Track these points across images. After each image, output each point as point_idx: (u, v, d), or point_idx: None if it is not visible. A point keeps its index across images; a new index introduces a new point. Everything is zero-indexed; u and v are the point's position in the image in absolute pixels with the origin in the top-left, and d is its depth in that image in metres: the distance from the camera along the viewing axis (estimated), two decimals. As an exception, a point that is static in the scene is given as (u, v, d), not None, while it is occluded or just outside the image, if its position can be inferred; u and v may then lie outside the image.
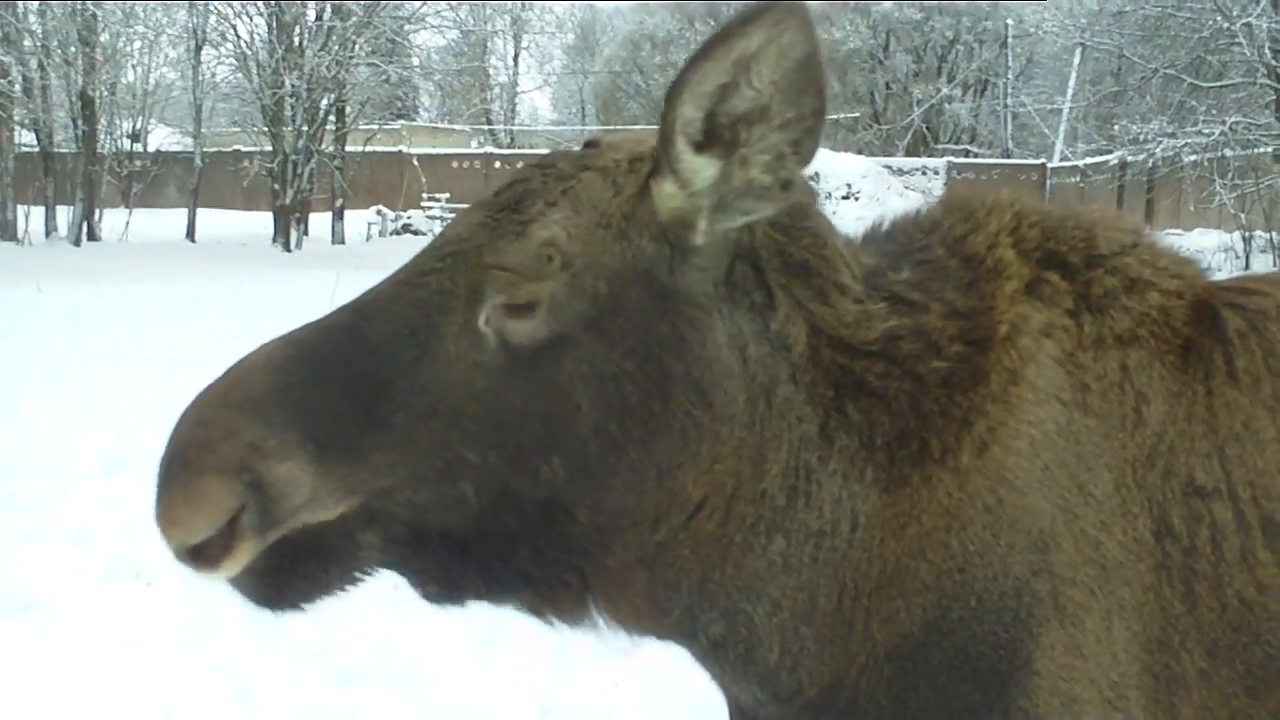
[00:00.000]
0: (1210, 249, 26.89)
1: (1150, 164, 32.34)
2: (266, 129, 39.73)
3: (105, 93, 40.61)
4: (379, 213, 44.38)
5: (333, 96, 40.38)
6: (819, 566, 2.22)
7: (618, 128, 69.49)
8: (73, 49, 37.53)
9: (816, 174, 37.25)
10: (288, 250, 37.98)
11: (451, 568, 2.15)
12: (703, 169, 2.10)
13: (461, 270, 2.12)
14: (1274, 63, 27.64)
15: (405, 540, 2.10)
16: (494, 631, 5.99)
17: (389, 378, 2.05)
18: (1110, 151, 38.71)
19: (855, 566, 2.23)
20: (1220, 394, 2.30)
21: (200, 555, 1.99)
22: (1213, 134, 28.36)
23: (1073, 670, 2.19)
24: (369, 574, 2.16)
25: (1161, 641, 2.22)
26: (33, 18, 37.14)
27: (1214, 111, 29.80)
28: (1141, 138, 31.69)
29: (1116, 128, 36.46)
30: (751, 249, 2.20)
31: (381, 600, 6.33)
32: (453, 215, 2.20)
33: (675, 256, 2.14)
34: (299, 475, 1.99)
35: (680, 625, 2.28)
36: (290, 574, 2.08)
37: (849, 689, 2.27)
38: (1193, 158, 30.08)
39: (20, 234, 35.34)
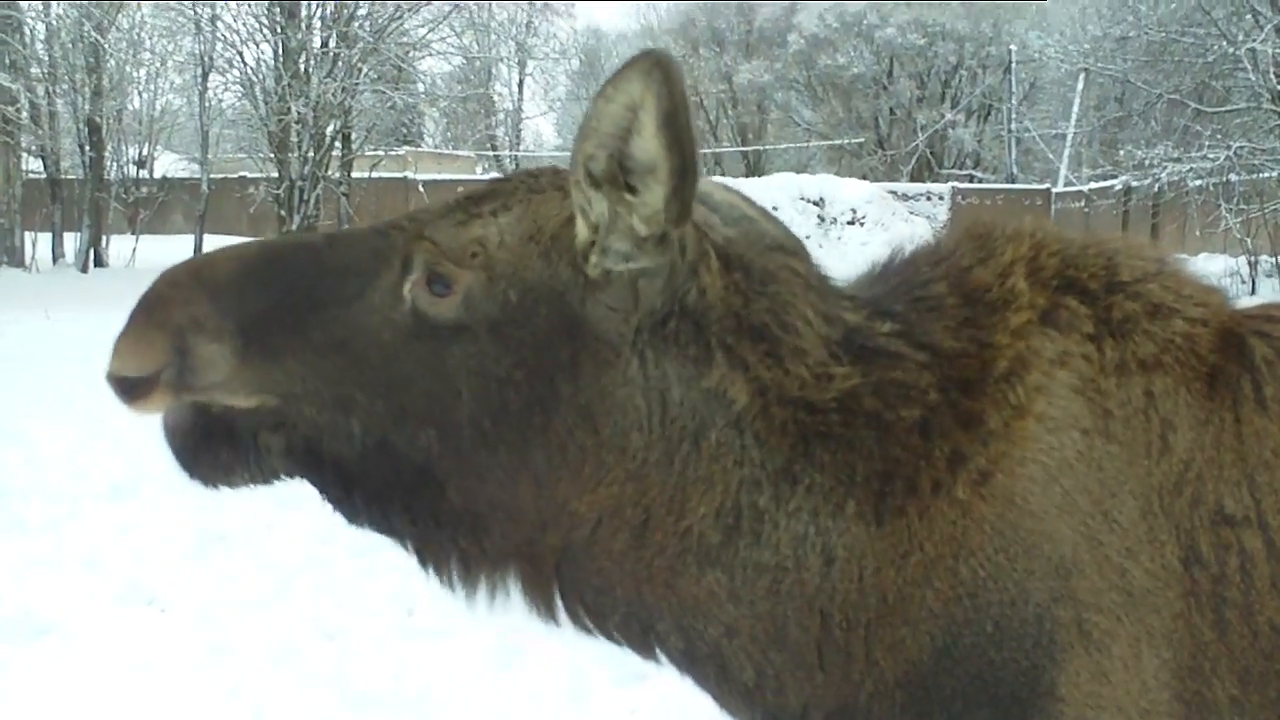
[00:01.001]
0: (1216, 274, 26.78)
1: (1155, 189, 32.41)
2: (272, 155, 39.77)
3: (112, 119, 40.69)
4: (385, 238, 44.34)
5: (338, 123, 40.42)
6: (780, 599, 2.24)
7: (622, 153, 69.74)
8: (79, 76, 37.63)
9: (821, 199, 37.43)
10: (294, 276, 37.95)
11: (341, 495, 2.33)
12: (595, 203, 2.18)
13: (411, 235, 2.29)
14: (1279, 87, 27.69)
15: (301, 454, 2.29)
16: (508, 655, 5.98)
17: (325, 303, 2.26)
18: (1115, 176, 38.80)
19: (843, 597, 2.23)
20: (1249, 422, 2.28)
21: (124, 387, 2.29)
22: (1218, 159, 28.44)
23: (1099, 697, 2.18)
24: (277, 478, 2.36)
25: (1192, 669, 2.20)
26: (39, 45, 37.27)
27: (1219, 136, 29.87)
28: (1146, 163, 31.73)
29: (1121, 153, 36.52)
30: (698, 309, 2.23)
31: (395, 625, 6.36)
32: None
33: (586, 287, 2.22)
34: (218, 358, 2.23)
35: (630, 631, 2.35)
36: (203, 448, 2.32)
37: (861, 714, 2.27)
38: (1198, 182, 30.11)
39: (28, 261, 35.39)
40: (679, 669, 2.40)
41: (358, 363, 2.24)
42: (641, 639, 2.35)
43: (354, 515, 2.37)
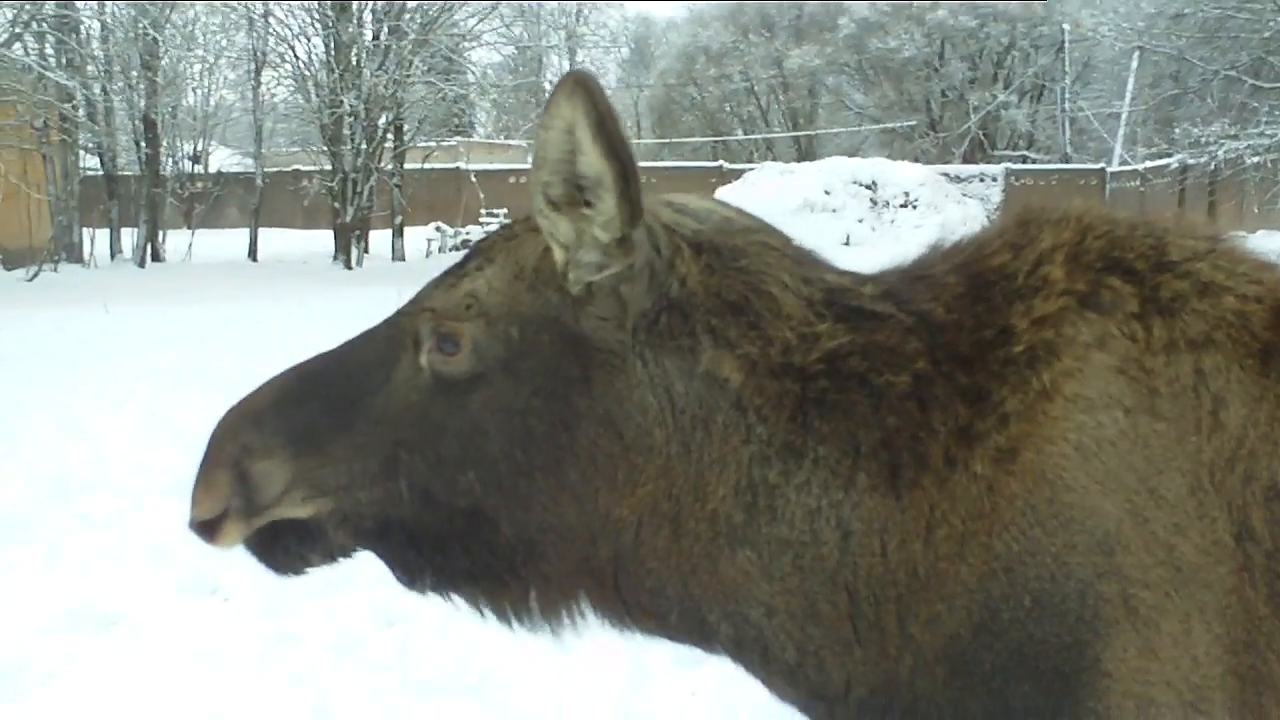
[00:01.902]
0: (1275, 251, 26.54)
1: (1212, 167, 32.11)
2: (326, 148, 40.00)
3: (167, 115, 41.11)
4: (438, 229, 44.53)
5: (390, 115, 40.58)
6: (806, 575, 2.29)
7: (674, 140, 69.63)
8: (135, 73, 38.01)
9: (874, 183, 37.28)
10: (348, 268, 38.23)
11: (409, 558, 2.47)
12: (560, 225, 2.33)
13: (414, 313, 2.47)
14: (1338, 62, 27.33)
15: (368, 533, 2.46)
16: (569, 641, 6.00)
17: (358, 396, 2.43)
18: (1170, 155, 38.44)
19: (867, 571, 2.27)
20: None
21: (204, 529, 2.46)
22: (1276, 135, 28.10)
23: (1147, 673, 2.18)
24: (347, 554, 2.55)
25: (1246, 643, 2.20)
26: (95, 43, 37.60)
27: (1277, 112, 29.49)
28: (1203, 140, 31.44)
29: (1177, 131, 36.22)
30: (682, 299, 2.34)
31: (457, 613, 6.39)
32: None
33: (575, 305, 2.36)
34: (274, 471, 2.41)
35: (688, 627, 2.42)
36: (275, 546, 2.50)
37: (905, 689, 2.29)
38: (1255, 159, 29.80)
39: (86, 256, 35.78)
40: (732, 659, 2.45)
41: (394, 428, 2.39)
42: (699, 633, 2.42)
43: (418, 578, 2.50)
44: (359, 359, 2.48)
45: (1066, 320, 2.30)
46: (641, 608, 2.42)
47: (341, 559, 2.55)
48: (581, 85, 2.18)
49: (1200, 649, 2.18)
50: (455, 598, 2.52)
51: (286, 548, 2.50)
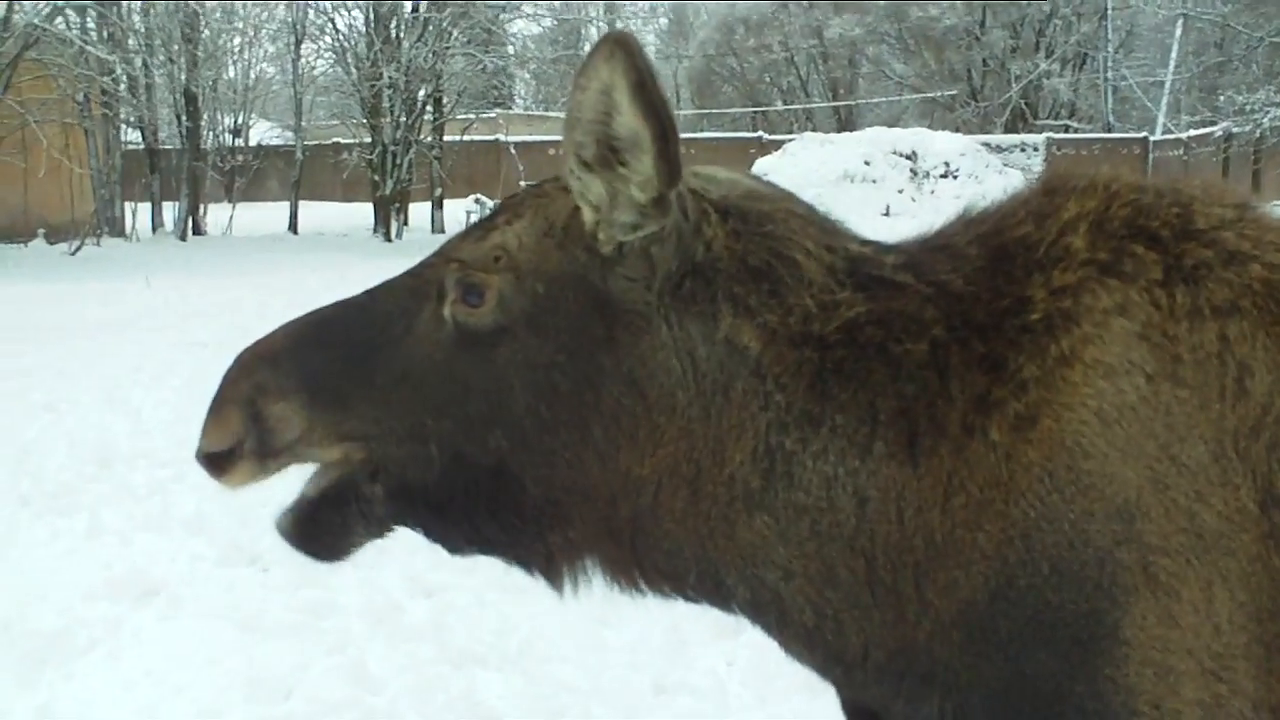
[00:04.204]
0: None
1: (1257, 135, 31.78)
2: (365, 121, 40.17)
3: (208, 89, 41.34)
4: (477, 201, 44.49)
5: (430, 87, 40.68)
6: (823, 540, 2.29)
7: (713, 111, 69.41)
8: (176, 47, 38.23)
9: (914, 153, 37.08)
10: (388, 240, 38.39)
11: (438, 524, 2.48)
12: (592, 185, 2.33)
13: (439, 264, 2.47)
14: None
15: (400, 495, 2.44)
16: (607, 611, 6.03)
17: (379, 346, 2.42)
18: (1214, 123, 38.15)
19: (884, 538, 2.27)
20: None
21: (211, 462, 2.45)
22: (1321, 102, 27.79)
23: (1167, 641, 2.16)
24: (389, 527, 2.51)
25: (1273, 611, 2.18)
26: (136, 17, 37.77)
27: (1323, 79, 29.18)
28: (1247, 108, 31.17)
29: (1221, 98, 35.95)
30: (706, 264, 2.35)
31: (494, 582, 6.42)
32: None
33: (604, 265, 2.36)
34: (290, 414, 2.40)
35: (705, 588, 2.43)
36: (315, 522, 2.48)
37: (923, 654, 2.29)
38: (1301, 127, 29.48)
39: (128, 230, 36.07)
40: (750, 620, 2.46)
41: (419, 389, 2.39)
42: (716, 594, 2.43)
43: (454, 542, 2.51)
44: (380, 307, 2.48)
45: (1086, 289, 2.28)
46: (658, 569, 2.42)
47: (381, 528, 2.50)
48: (621, 46, 2.16)
49: (1223, 617, 2.17)
50: (494, 556, 2.52)
51: (328, 521, 2.47)
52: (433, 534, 2.50)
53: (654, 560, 2.41)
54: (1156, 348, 2.23)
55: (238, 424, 2.41)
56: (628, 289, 2.35)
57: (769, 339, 2.31)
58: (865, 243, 2.49)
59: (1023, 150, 48.16)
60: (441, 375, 2.39)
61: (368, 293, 2.54)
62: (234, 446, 2.41)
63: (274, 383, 2.41)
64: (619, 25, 65.97)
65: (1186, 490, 2.18)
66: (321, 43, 42.46)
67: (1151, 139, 50.85)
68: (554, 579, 2.46)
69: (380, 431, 2.40)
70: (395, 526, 2.51)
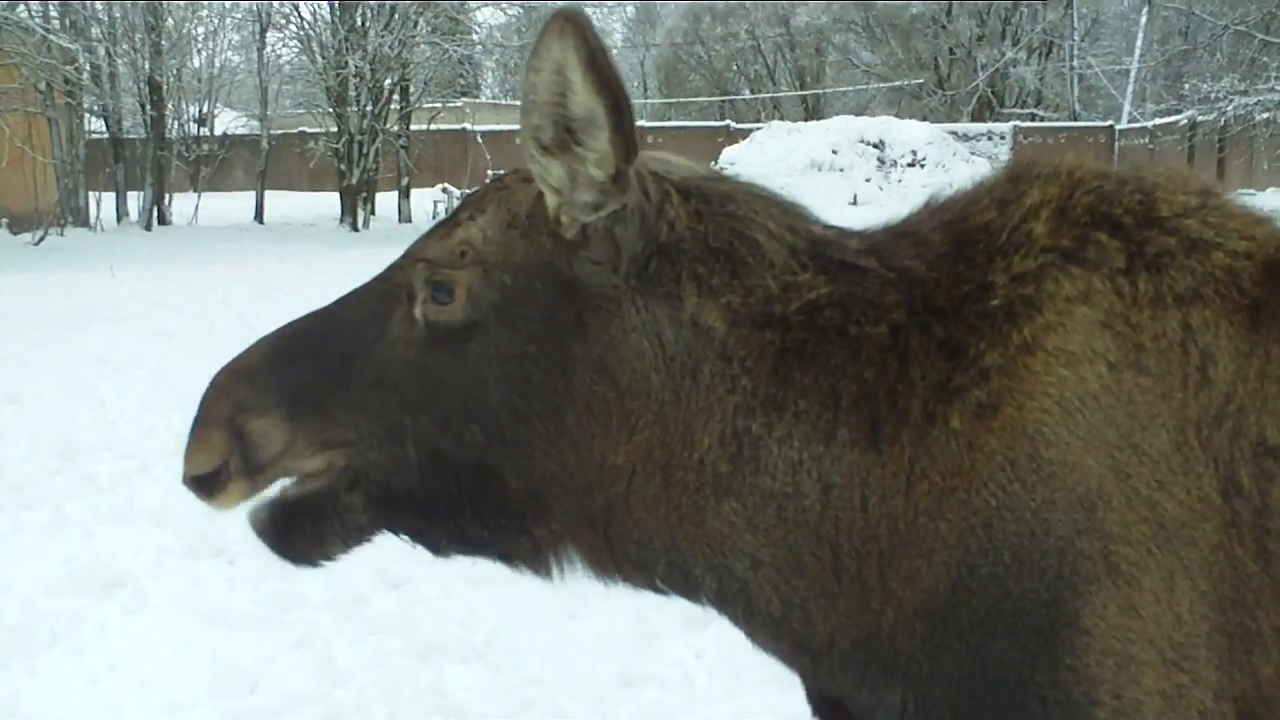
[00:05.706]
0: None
1: (1221, 123, 31.96)
2: (331, 110, 40.01)
3: (172, 78, 41.07)
4: (445, 190, 44.40)
5: (396, 76, 40.55)
6: (789, 527, 2.31)
7: (681, 100, 69.34)
8: (139, 35, 37.99)
9: (881, 142, 37.18)
10: (355, 230, 38.26)
11: (422, 526, 2.48)
12: (552, 169, 2.34)
13: (406, 265, 2.47)
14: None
15: (383, 500, 2.43)
16: (574, 603, 6.02)
17: (354, 353, 2.42)
18: (1180, 111, 38.32)
19: (848, 526, 2.28)
20: None
21: (199, 485, 2.42)
22: (1286, 91, 27.94)
23: (1128, 630, 2.16)
24: (367, 534, 2.50)
25: (1235, 600, 2.19)
26: (99, 5, 37.50)
27: (1287, 68, 29.35)
28: (1212, 96, 31.29)
29: (1186, 87, 36.08)
30: (671, 244, 2.36)
31: (461, 574, 6.40)
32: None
33: (569, 250, 2.37)
34: (271, 429, 2.39)
35: (673, 579, 2.44)
36: (290, 530, 2.46)
37: (886, 644, 2.30)
38: (1265, 115, 29.64)
39: (93, 220, 35.82)
40: (717, 611, 2.47)
41: (395, 390, 2.39)
42: (684, 585, 2.44)
43: (438, 543, 2.50)
44: (351, 315, 2.48)
45: (1048, 276, 2.28)
46: (630, 560, 2.43)
47: (358, 537, 2.50)
48: (571, 22, 2.16)
49: (1184, 606, 2.17)
50: (478, 557, 2.53)
51: (302, 529, 2.46)
52: (417, 537, 2.50)
53: (626, 551, 2.41)
54: (1119, 336, 2.23)
55: (221, 444, 2.40)
56: (594, 272, 2.35)
57: (733, 320, 2.32)
58: (828, 227, 2.50)
59: (989, 139, 48.31)
60: (416, 374, 2.39)
61: (338, 301, 2.55)
62: (219, 467, 2.40)
63: (253, 399, 2.41)
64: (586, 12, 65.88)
65: (1148, 479, 2.18)
66: (287, 31, 42.30)
67: (1117, 127, 51.12)
68: (542, 571, 2.47)
69: (360, 436, 2.39)
70: (377, 533, 2.50)
